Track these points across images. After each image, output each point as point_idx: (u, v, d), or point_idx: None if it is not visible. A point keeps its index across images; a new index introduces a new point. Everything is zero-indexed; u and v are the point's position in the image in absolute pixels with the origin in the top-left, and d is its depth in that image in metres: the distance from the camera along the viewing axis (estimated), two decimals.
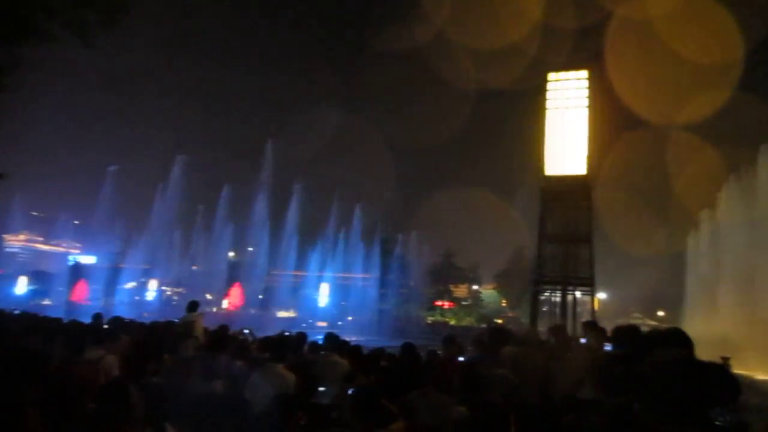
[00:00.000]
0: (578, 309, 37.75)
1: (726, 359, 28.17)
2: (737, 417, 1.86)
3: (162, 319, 11.93)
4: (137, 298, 63.19)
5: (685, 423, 1.60)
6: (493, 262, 78.20)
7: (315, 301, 66.41)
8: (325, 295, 67.27)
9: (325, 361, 6.71)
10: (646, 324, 78.02)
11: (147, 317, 20.90)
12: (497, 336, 6.96)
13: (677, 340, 2.41)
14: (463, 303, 70.91)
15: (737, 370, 28.38)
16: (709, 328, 49.26)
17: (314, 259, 68.22)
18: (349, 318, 61.02)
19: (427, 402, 5.22)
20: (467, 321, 63.54)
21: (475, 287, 74.54)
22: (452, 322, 62.90)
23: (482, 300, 72.58)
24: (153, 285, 66.18)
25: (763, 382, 26.50)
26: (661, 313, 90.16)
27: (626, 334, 3.27)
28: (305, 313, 61.70)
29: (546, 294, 36.15)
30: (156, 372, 6.01)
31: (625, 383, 2.16)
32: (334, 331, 8.81)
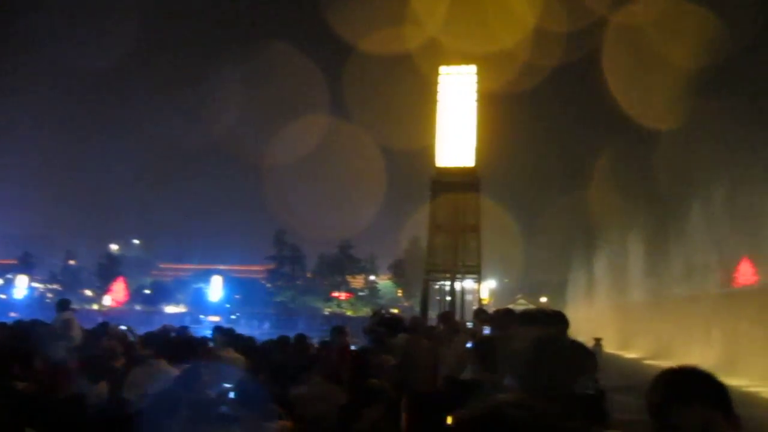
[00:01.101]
0: (468, 297, 39.49)
1: (598, 340, 30.84)
2: (596, 386, 2.03)
3: (31, 319, 10.94)
4: (3, 296, 57.42)
5: (549, 394, 1.73)
6: (390, 252, 79.63)
7: (207, 295, 64.07)
8: (218, 289, 65.10)
9: (219, 356, 6.51)
10: (529, 309, 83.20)
11: (14, 317, 19.04)
12: (388, 324, 7.12)
13: (550, 319, 2.59)
14: (360, 294, 71.67)
15: (607, 350, 31.21)
16: (586, 314, 53.84)
17: (207, 252, 65.89)
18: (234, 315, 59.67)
19: (316, 393, 5.23)
20: (364, 312, 64.42)
21: (372, 278, 75.55)
22: (349, 313, 63.43)
23: (379, 290, 73.78)
24: (22, 282, 60.40)
25: (628, 360, 29.45)
26: (544, 299, 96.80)
27: (502, 317, 3.50)
28: (197, 308, 59.39)
29: (439, 283, 37.47)
30: (25, 376, 5.51)
31: (498, 361, 2.30)
32: (229, 325, 8.55)
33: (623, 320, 42.08)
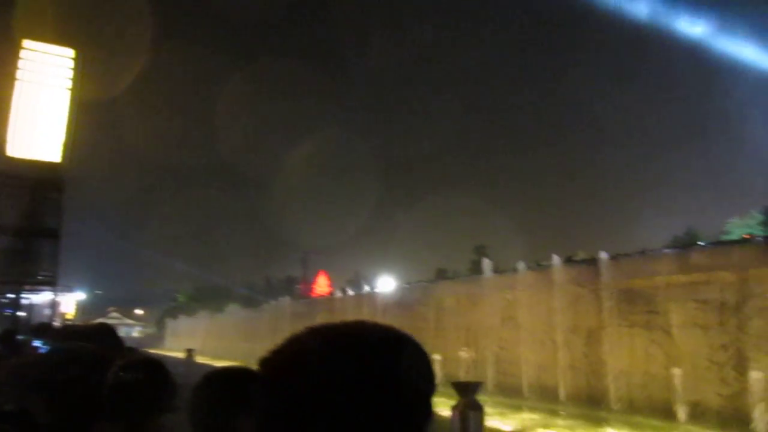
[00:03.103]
0: (47, 311, 34.39)
1: (190, 350, 31.25)
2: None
3: None
4: None
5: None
6: None
7: None
8: None
9: None
10: (123, 322, 78.84)
11: None
12: None
13: (100, 334, 2.47)
14: None
15: (199, 359, 31.65)
16: (190, 326, 53.59)
17: None
18: None
19: None
20: None
21: None
22: None
23: None
24: None
25: (219, 366, 30.51)
26: (139, 312, 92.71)
27: (59, 334, 3.15)
28: None
29: (8, 296, 31.50)
30: None
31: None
32: None
33: (218, 332, 43.64)
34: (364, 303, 23.55)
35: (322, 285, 60.60)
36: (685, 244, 28.18)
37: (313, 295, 54.27)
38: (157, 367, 2.23)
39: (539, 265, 17.36)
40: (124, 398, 2.03)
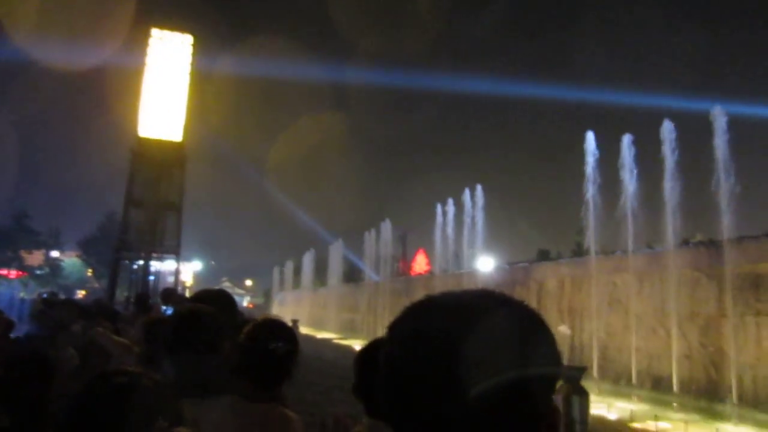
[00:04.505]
0: (169, 279, 37.55)
1: (295, 321, 32.87)
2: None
3: None
4: None
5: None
6: (82, 226, 70.48)
7: None
8: None
9: None
10: (235, 292, 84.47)
11: None
12: (63, 309, 6.20)
13: (220, 300, 2.64)
14: (38, 272, 61.70)
15: (302, 329, 33.11)
16: (293, 297, 56.29)
17: None
18: None
19: None
20: None
21: (54, 254, 65.77)
22: (21, 295, 53.94)
23: (63, 269, 64.57)
24: None
25: (319, 339, 31.89)
26: (249, 282, 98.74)
27: (183, 298, 3.46)
28: None
29: (137, 263, 34.74)
30: None
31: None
32: None
33: (321, 304, 45.51)
34: (464, 283, 23.39)
35: (420, 263, 60.93)
36: None
37: (412, 273, 54.75)
38: (293, 337, 2.31)
39: (650, 248, 16.37)
40: (271, 365, 2.13)
